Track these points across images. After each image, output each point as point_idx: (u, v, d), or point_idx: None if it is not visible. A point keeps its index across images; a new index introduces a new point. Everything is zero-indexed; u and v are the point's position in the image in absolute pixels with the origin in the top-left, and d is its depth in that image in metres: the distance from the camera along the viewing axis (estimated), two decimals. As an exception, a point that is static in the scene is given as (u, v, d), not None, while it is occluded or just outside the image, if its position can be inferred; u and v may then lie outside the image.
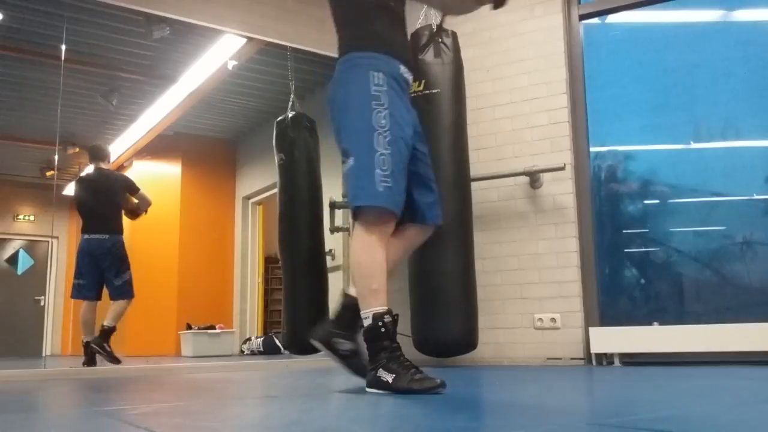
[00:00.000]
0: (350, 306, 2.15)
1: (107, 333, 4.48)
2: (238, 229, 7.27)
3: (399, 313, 2.08)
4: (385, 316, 1.97)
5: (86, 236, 4.60)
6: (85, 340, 4.37)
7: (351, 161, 2.06)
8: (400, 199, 2.05)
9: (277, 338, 6.27)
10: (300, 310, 3.95)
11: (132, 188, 4.90)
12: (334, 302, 3.94)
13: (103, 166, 4.90)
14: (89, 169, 4.94)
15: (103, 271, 4.57)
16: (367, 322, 1.99)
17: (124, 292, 4.59)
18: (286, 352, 4.24)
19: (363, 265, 2.02)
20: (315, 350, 4.14)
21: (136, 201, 4.92)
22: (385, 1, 2.15)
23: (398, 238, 2.23)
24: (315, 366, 4.15)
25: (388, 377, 1.91)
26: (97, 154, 4.87)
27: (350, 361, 2.12)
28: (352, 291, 2.17)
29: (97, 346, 4.36)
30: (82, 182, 4.89)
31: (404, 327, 3.45)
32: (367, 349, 2.01)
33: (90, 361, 4.27)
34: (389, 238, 2.19)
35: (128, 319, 4.90)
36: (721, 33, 3.77)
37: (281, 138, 4.10)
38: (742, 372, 2.70)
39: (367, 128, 2.03)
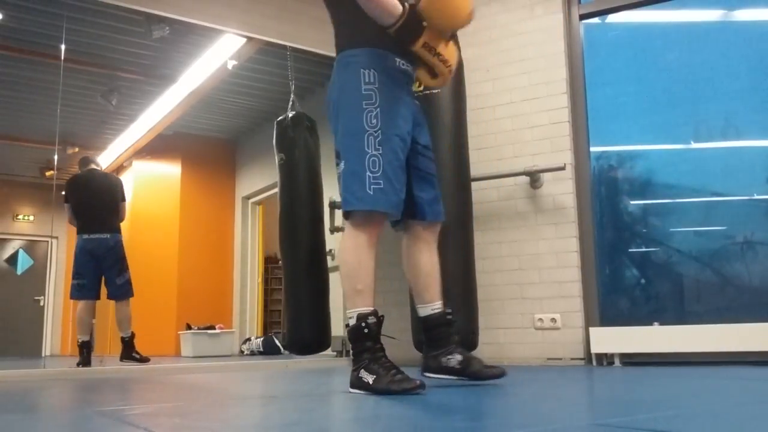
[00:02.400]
0: (431, 324, 2.18)
1: (130, 343, 4.53)
2: (238, 229, 7.27)
3: (388, 314, 2.08)
4: (369, 317, 1.98)
5: (86, 236, 4.56)
6: (80, 340, 4.34)
7: (342, 165, 2.06)
8: (395, 198, 2.03)
9: (276, 338, 6.27)
10: (301, 310, 3.94)
11: (122, 195, 4.85)
12: (334, 302, 3.95)
13: (96, 167, 4.88)
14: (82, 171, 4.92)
15: (104, 270, 4.55)
16: (351, 322, 2.00)
17: (125, 291, 4.60)
18: (286, 352, 4.23)
19: (349, 266, 2.03)
20: (316, 350, 4.08)
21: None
22: None
23: (408, 238, 2.24)
24: (315, 366, 4.15)
25: (369, 378, 1.92)
26: (89, 159, 4.88)
27: (470, 370, 2.11)
28: (421, 311, 2.21)
29: (128, 360, 4.41)
30: (78, 182, 4.80)
31: (405, 327, 3.46)
32: (351, 349, 2.02)
33: (85, 362, 4.24)
34: (408, 245, 2.23)
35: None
36: (721, 33, 3.77)
37: (281, 138, 4.09)
38: (742, 372, 2.70)
39: (357, 130, 2.02)
